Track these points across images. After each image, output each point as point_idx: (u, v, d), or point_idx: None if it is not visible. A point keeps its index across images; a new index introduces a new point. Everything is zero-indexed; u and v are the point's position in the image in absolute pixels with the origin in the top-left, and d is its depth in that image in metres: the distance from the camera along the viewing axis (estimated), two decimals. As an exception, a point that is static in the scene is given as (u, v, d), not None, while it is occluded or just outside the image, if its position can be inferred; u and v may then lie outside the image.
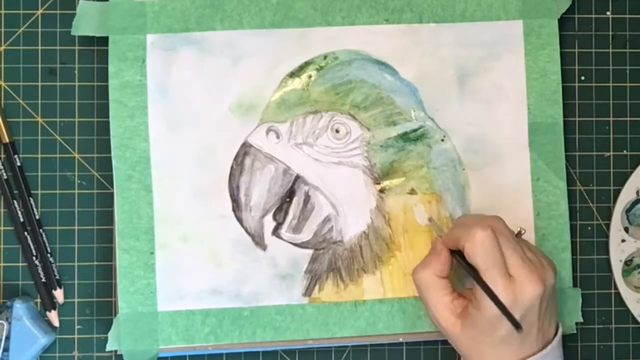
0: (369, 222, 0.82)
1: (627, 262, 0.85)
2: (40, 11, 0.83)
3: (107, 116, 0.81)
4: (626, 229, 0.85)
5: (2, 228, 0.83)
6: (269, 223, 0.82)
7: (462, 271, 0.78)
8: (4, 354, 0.79)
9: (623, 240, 0.85)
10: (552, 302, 0.78)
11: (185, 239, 0.81)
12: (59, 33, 0.83)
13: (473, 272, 0.75)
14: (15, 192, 0.82)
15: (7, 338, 0.79)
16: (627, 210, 0.85)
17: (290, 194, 0.82)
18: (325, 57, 0.82)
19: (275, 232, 0.82)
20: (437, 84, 0.83)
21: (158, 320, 0.81)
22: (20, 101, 0.83)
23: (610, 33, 0.85)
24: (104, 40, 0.81)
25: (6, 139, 0.82)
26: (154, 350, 0.81)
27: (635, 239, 0.85)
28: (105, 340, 0.81)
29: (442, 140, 0.83)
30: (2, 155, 0.83)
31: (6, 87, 0.83)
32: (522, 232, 0.79)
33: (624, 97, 0.85)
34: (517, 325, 0.73)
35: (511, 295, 0.74)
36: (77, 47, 0.83)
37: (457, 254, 0.77)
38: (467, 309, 0.76)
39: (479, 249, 0.74)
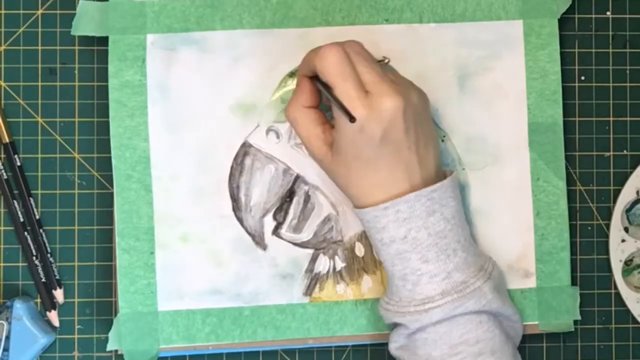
0: (369, 222, 0.82)
1: (627, 262, 0.85)
2: (40, 11, 0.83)
3: (107, 116, 0.81)
4: (626, 229, 0.85)
5: (2, 228, 0.83)
6: (269, 223, 0.82)
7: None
8: (4, 354, 0.79)
9: (623, 240, 0.85)
10: (422, 125, 0.76)
11: (185, 239, 0.82)
12: (59, 33, 0.83)
13: (328, 91, 0.74)
14: (15, 192, 0.82)
15: (7, 338, 0.80)
16: (627, 210, 0.85)
17: (290, 193, 0.82)
18: (325, 57, 0.82)
19: (276, 231, 0.82)
20: (437, 84, 0.83)
21: (158, 320, 0.81)
22: (20, 101, 0.83)
23: (610, 33, 0.85)
24: (104, 40, 0.81)
25: (6, 139, 0.82)
26: (155, 350, 0.81)
27: (635, 239, 0.85)
28: (106, 340, 0.81)
29: (442, 140, 0.83)
30: (2, 155, 0.83)
31: (6, 87, 0.83)
32: (386, 60, 0.79)
33: (624, 97, 0.85)
34: (351, 117, 0.71)
35: (367, 108, 0.72)
36: (77, 47, 0.83)
37: (316, 79, 0.75)
38: (333, 133, 0.75)
39: (329, 65, 0.73)
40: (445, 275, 0.75)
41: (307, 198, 0.82)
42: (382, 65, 0.78)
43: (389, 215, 0.74)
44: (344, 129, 0.73)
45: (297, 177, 0.82)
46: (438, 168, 0.78)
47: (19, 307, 0.80)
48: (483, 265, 0.77)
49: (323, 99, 0.77)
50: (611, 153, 0.85)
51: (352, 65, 0.73)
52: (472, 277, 0.76)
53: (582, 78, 0.85)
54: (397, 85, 0.74)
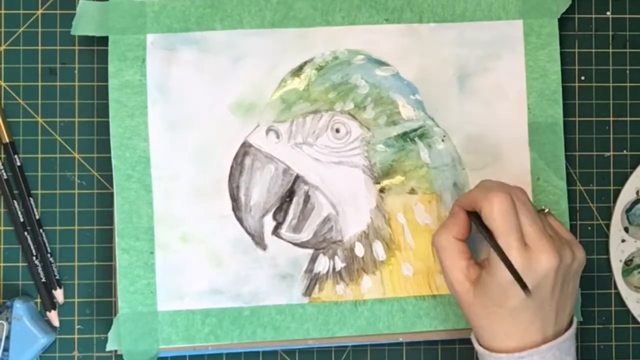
0: (369, 222, 0.82)
1: (627, 262, 0.85)
2: (40, 11, 0.83)
3: (107, 116, 0.81)
4: (626, 229, 0.85)
5: (2, 228, 0.83)
6: (269, 223, 0.82)
7: (481, 244, 0.77)
8: (4, 354, 0.79)
9: (623, 240, 0.85)
10: (570, 284, 0.76)
11: (185, 239, 0.81)
12: (59, 33, 0.83)
13: (488, 235, 0.74)
14: (15, 192, 0.82)
15: (7, 338, 0.79)
16: (627, 210, 0.85)
17: (290, 193, 0.82)
18: (325, 56, 0.83)
19: (275, 231, 0.82)
20: (437, 84, 0.83)
21: (158, 320, 0.81)
22: (20, 101, 0.83)
23: (610, 33, 0.85)
24: (104, 40, 0.81)
25: (6, 139, 0.82)
26: (154, 350, 0.81)
27: (636, 239, 0.85)
28: (105, 340, 0.81)
29: (442, 139, 0.83)
30: (2, 155, 0.83)
31: (6, 87, 0.83)
32: (546, 209, 0.78)
33: (624, 97, 0.85)
34: (525, 287, 0.71)
35: (525, 262, 0.72)
36: (77, 47, 0.83)
37: (475, 217, 0.76)
38: (481, 276, 0.75)
39: (496, 212, 0.73)
40: None
41: (307, 198, 0.82)
42: (542, 215, 0.78)
43: None
44: (497, 274, 0.73)
45: (297, 177, 0.82)
46: (570, 318, 0.78)
47: (19, 307, 0.80)
48: None
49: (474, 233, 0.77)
50: (611, 153, 0.85)
51: (517, 215, 0.74)
52: None
53: (582, 78, 0.85)
54: (555, 242, 0.75)
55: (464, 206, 0.77)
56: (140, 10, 0.81)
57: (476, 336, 0.77)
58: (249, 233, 0.82)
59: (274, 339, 0.82)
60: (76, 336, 0.83)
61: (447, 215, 0.78)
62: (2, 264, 0.83)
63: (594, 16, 0.85)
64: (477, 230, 0.76)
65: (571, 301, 0.77)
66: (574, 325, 0.77)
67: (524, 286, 0.71)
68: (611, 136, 0.85)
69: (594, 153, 0.85)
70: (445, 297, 0.83)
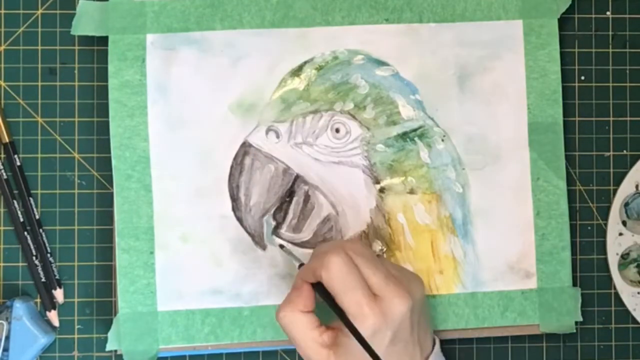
0: (369, 222, 0.82)
1: (624, 256, 0.85)
2: (40, 11, 0.83)
3: (107, 116, 0.81)
4: (624, 223, 0.85)
5: (2, 228, 0.83)
6: (269, 223, 0.82)
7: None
8: (4, 354, 0.79)
9: (620, 234, 0.85)
10: (423, 315, 0.76)
11: (185, 239, 0.81)
12: (58, 33, 0.83)
13: (333, 303, 0.72)
14: (15, 192, 0.82)
15: (7, 338, 0.79)
16: (626, 204, 0.85)
17: (290, 193, 0.82)
18: (325, 56, 0.83)
19: (275, 231, 0.82)
20: (437, 84, 0.83)
21: (158, 320, 0.81)
22: (20, 101, 0.83)
23: (610, 33, 0.85)
24: (103, 40, 0.81)
25: (6, 139, 0.82)
26: (154, 350, 0.81)
27: (633, 233, 0.85)
28: (105, 340, 0.81)
29: (442, 139, 0.83)
30: (2, 155, 0.83)
31: (6, 87, 0.83)
32: (382, 250, 0.78)
33: (624, 97, 0.85)
34: (376, 356, 0.70)
35: (379, 315, 0.71)
36: (77, 47, 0.83)
37: (318, 287, 0.74)
38: (337, 338, 0.74)
39: (335, 274, 0.71)
40: None
41: (307, 198, 0.82)
42: (381, 258, 0.77)
43: None
44: (353, 335, 0.72)
45: (297, 177, 0.82)
46: (432, 339, 0.78)
47: (19, 307, 0.80)
48: None
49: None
50: (611, 153, 0.85)
51: (358, 270, 0.72)
52: None
53: (582, 78, 0.85)
54: (401, 281, 0.74)
55: (307, 278, 0.74)
56: (140, 10, 0.81)
57: None
58: (248, 233, 0.82)
59: (274, 338, 0.82)
60: (76, 336, 0.83)
61: (289, 292, 0.76)
62: (2, 264, 0.83)
63: (594, 16, 0.85)
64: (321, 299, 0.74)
65: (429, 326, 0.77)
66: (437, 344, 0.77)
67: (374, 355, 0.70)
68: (611, 136, 0.85)
69: (594, 153, 0.85)
70: (445, 297, 0.83)
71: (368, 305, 0.71)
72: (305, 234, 0.82)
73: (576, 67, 0.85)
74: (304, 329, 0.74)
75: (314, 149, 0.82)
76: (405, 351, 0.74)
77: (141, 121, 0.81)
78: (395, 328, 0.72)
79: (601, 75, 0.85)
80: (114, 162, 0.81)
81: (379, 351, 0.71)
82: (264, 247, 0.82)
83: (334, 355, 0.73)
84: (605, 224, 0.85)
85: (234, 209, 0.82)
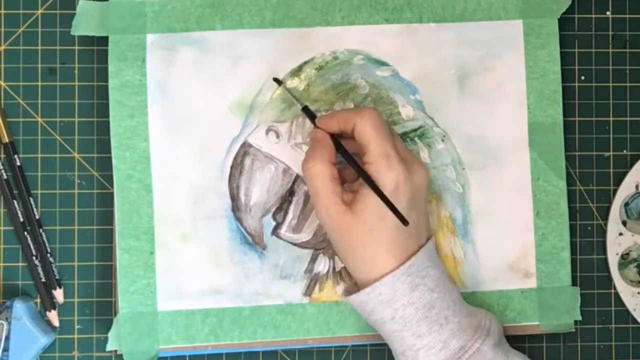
0: (369, 222, 0.82)
1: (624, 256, 0.85)
2: (40, 11, 0.83)
3: (107, 116, 0.81)
4: (624, 223, 0.85)
5: (2, 228, 0.83)
6: (269, 223, 0.82)
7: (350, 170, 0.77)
8: (4, 354, 0.79)
9: (620, 234, 0.85)
10: (426, 203, 0.78)
11: (185, 239, 0.82)
12: (58, 33, 0.83)
13: (356, 163, 0.74)
14: (15, 192, 0.82)
15: (7, 338, 0.80)
16: (626, 205, 0.85)
17: (290, 193, 0.82)
18: (325, 56, 0.83)
19: (275, 231, 0.82)
20: (437, 84, 0.83)
21: (158, 320, 0.81)
22: (20, 101, 0.83)
23: (610, 33, 0.85)
24: (103, 40, 0.81)
25: (6, 139, 0.82)
26: (154, 350, 0.81)
27: (633, 232, 0.85)
28: (105, 340, 0.81)
29: (442, 139, 0.83)
30: (2, 155, 0.83)
31: (6, 87, 0.83)
32: None
33: (624, 97, 0.85)
34: (403, 219, 0.72)
35: (405, 171, 0.73)
36: (77, 47, 0.83)
37: (340, 146, 0.75)
38: (355, 199, 0.74)
39: (371, 121, 0.73)
40: (441, 345, 0.74)
41: (307, 198, 0.82)
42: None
43: (373, 299, 0.75)
44: (380, 182, 0.73)
45: (297, 177, 0.82)
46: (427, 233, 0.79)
47: (19, 307, 0.80)
48: (480, 324, 0.77)
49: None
50: (611, 153, 0.85)
51: (389, 128, 0.75)
52: (469, 339, 0.75)
53: (582, 78, 0.85)
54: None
55: (328, 129, 0.76)
56: (140, 10, 0.81)
57: (356, 272, 0.77)
58: (248, 233, 0.82)
59: (274, 338, 0.82)
60: (76, 336, 0.83)
61: (311, 145, 0.77)
62: (2, 264, 0.83)
63: (594, 16, 0.85)
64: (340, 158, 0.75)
65: (427, 218, 0.79)
66: (424, 248, 0.76)
67: (392, 207, 0.72)
68: (611, 136, 0.85)
69: (594, 153, 0.85)
70: (445, 297, 0.83)
71: (396, 158, 0.73)
72: (305, 234, 0.82)
73: (576, 67, 0.85)
74: (330, 181, 0.75)
75: (314, 149, 0.82)
76: (416, 221, 0.75)
77: (141, 121, 0.81)
78: (414, 190, 0.74)
79: (601, 75, 0.85)
80: (114, 162, 0.81)
81: (398, 208, 0.73)
82: (264, 247, 0.82)
83: (350, 212, 0.74)
84: (605, 224, 0.85)
85: (233, 209, 0.82)
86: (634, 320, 0.85)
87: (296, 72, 0.82)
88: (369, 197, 0.73)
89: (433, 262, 0.77)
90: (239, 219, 0.82)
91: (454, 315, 0.75)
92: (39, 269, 0.82)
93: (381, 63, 0.83)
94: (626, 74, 0.85)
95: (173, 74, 0.82)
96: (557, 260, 0.83)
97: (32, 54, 0.83)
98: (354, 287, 0.79)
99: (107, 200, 0.83)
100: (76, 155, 0.83)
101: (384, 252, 0.74)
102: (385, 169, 0.73)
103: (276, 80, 0.81)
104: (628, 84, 0.85)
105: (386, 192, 0.73)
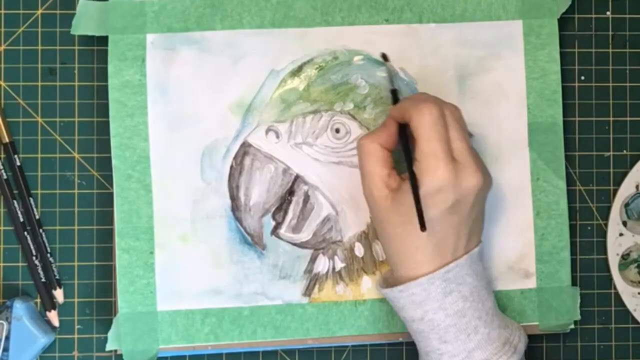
0: (369, 222, 0.82)
1: (624, 256, 0.85)
2: (40, 11, 0.83)
3: (107, 116, 0.81)
4: (624, 223, 0.85)
5: (2, 228, 0.83)
6: (269, 223, 0.82)
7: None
8: (4, 354, 0.79)
9: (621, 234, 0.85)
10: (481, 207, 0.77)
11: (184, 239, 0.82)
12: (58, 33, 0.83)
13: (408, 156, 0.74)
14: (15, 192, 0.82)
15: (7, 338, 0.80)
16: (626, 205, 0.85)
17: (290, 193, 0.82)
18: (325, 56, 0.83)
19: (275, 231, 0.82)
20: (437, 84, 0.83)
21: (158, 320, 0.81)
22: (20, 101, 0.83)
23: (610, 33, 0.85)
24: (103, 40, 0.81)
25: (6, 139, 0.82)
26: (154, 350, 0.81)
27: (633, 233, 0.85)
28: (105, 340, 0.81)
29: (442, 140, 0.83)
30: (2, 155, 0.83)
31: (6, 87, 0.83)
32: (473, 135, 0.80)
33: (624, 97, 0.85)
34: (423, 225, 0.71)
35: (451, 174, 0.72)
36: (77, 47, 0.83)
37: (403, 132, 0.75)
38: (401, 186, 0.74)
39: (426, 119, 0.73)
40: (465, 354, 0.74)
41: (307, 198, 0.82)
42: (471, 140, 0.78)
43: (405, 298, 0.75)
44: (422, 182, 0.72)
45: (297, 177, 0.82)
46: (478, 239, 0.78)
47: (19, 307, 0.80)
48: (509, 338, 0.76)
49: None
50: (611, 153, 0.85)
51: (447, 129, 0.73)
52: (495, 353, 0.74)
53: (582, 78, 0.85)
54: (481, 162, 0.75)
55: (396, 118, 0.76)
56: (140, 10, 0.81)
57: (393, 264, 0.76)
58: (248, 233, 0.82)
59: (274, 338, 0.82)
60: (76, 336, 0.83)
61: (379, 126, 0.77)
62: (2, 264, 0.83)
63: (593, 16, 0.85)
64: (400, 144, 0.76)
65: (480, 225, 0.78)
66: (467, 256, 0.76)
67: (420, 212, 0.71)
68: (611, 136, 0.85)
69: (594, 153, 0.85)
70: (445, 297, 0.83)
71: (444, 160, 0.72)
72: (305, 234, 0.82)
73: (576, 67, 0.85)
74: (377, 162, 0.75)
75: (314, 149, 0.82)
76: (456, 227, 0.74)
77: (141, 121, 0.81)
78: (459, 196, 0.73)
79: (601, 75, 0.85)
80: (114, 162, 0.81)
81: (436, 211, 0.72)
82: (263, 247, 0.82)
83: (391, 198, 0.74)
84: (606, 224, 0.85)
85: (233, 209, 0.82)
86: (634, 321, 0.85)
87: (296, 72, 0.82)
88: (410, 192, 0.73)
89: (473, 270, 0.76)
90: (238, 219, 0.82)
91: (485, 326, 0.75)
92: (39, 269, 0.82)
93: (381, 63, 0.83)
94: (626, 74, 0.85)
95: (173, 74, 0.82)
96: (557, 260, 0.83)
97: (32, 54, 0.83)
98: (391, 277, 0.78)
99: (107, 200, 0.83)
100: (76, 155, 0.83)
101: (420, 251, 0.74)
102: (429, 169, 0.72)
103: (384, 56, 0.81)
104: (628, 84, 0.85)
105: (424, 192, 0.72)
